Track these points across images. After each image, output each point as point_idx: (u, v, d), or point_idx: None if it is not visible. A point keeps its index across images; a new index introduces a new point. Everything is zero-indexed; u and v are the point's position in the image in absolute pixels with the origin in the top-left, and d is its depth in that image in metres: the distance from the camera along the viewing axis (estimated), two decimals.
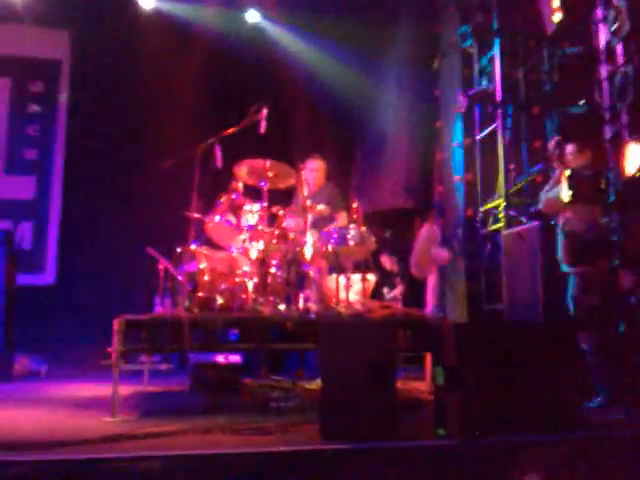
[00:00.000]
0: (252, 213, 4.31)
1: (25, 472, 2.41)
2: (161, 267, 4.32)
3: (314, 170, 5.02)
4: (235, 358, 5.26)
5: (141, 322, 3.50)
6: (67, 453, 2.56)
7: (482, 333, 2.86)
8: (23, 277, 5.93)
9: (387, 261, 6.25)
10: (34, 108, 7.28)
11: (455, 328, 2.84)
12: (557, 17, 4.73)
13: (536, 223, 4.34)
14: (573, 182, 3.67)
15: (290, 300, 4.07)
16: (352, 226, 4.21)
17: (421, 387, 4.26)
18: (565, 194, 3.65)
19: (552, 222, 4.01)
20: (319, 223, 4.60)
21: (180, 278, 4.10)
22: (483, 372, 2.77)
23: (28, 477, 2.41)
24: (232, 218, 4.36)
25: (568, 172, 3.76)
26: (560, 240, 3.78)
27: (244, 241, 4.26)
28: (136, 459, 2.45)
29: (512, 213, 5.08)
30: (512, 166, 5.31)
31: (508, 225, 4.95)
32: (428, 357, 4.16)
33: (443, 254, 4.52)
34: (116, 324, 3.35)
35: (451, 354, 2.77)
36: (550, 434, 2.77)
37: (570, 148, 3.92)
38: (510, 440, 2.74)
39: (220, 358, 5.27)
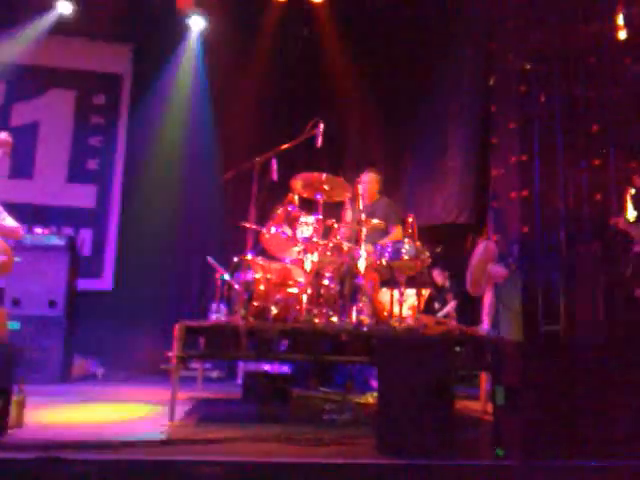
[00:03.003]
0: (307, 225, 4.35)
1: (87, 471, 2.48)
2: (218, 276, 4.40)
3: (367, 182, 5.06)
4: (284, 368, 5.32)
5: (201, 329, 3.58)
6: (128, 454, 2.63)
7: (547, 353, 2.79)
8: (82, 282, 6.14)
9: (439, 276, 6.20)
10: (97, 120, 7.57)
11: (519, 348, 2.79)
12: (622, 35, 4.63)
13: (596, 242, 4.23)
14: (639, 201, 3.56)
15: (343, 312, 4.09)
16: (407, 240, 4.19)
17: (475, 406, 4.19)
18: (631, 213, 3.56)
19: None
20: (373, 236, 4.61)
21: (237, 287, 4.17)
22: (546, 393, 2.70)
23: (90, 476, 2.47)
24: (288, 230, 4.42)
25: (633, 191, 3.66)
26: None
27: (299, 253, 4.31)
28: (197, 463, 2.50)
29: (571, 230, 4.97)
30: (571, 183, 5.20)
31: (567, 243, 4.84)
32: (483, 377, 4.09)
33: (500, 271, 4.44)
34: (177, 330, 3.42)
35: (513, 374, 2.72)
36: (615, 460, 2.68)
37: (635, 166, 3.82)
38: (572, 464, 2.67)
39: (269, 367, 5.35)
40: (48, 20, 6.99)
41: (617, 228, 3.83)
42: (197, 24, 7.27)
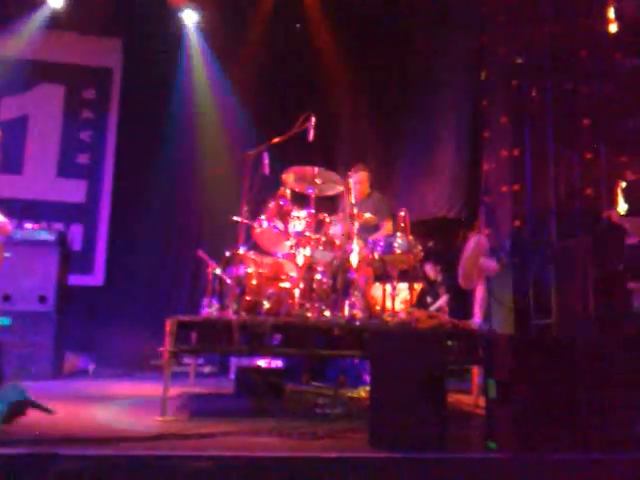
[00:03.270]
0: (299, 219, 4.35)
1: (79, 467, 2.47)
2: (209, 270, 4.39)
3: (358, 182, 5.06)
4: (277, 363, 5.32)
5: (193, 323, 3.57)
6: (121, 449, 2.62)
7: (538, 347, 2.81)
8: (73, 278, 6.10)
9: (431, 270, 6.21)
10: (87, 114, 7.51)
11: (511, 341, 2.80)
12: (613, 28, 4.64)
13: (588, 235, 4.24)
14: (630, 194, 3.58)
15: (336, 307, 4.09)
16: (399, 234, 4.20)
17: (467, 400, 4.20)
18: (621, 207, 3.57)
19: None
20: (364, 231, 4.61)
21: (229, 281, 4.15)
22: (537, 387, 2.72)
23: (81, 471, 2.46)
24: (280, 224, 4.41)
25: (624, 184, 3.67)
26: None
27: (291, 247, 4.31)
28: (189, 458, 2.50)
29: (562, 225, 4.99)
30: (562, 177, 5.22)
31: (558, 237, 4.86)
32: (475, 370, 4.11)
33: (492, 265, 4.46)
34: (168, 325, 3.41)
35: (505, 368, 2.73)
36: (604, 453, 2.70)
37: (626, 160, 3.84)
38: (562, 457, 2.69)
39: (262, 362, 5.35)
40: (41, 15, 6.93)
41: (610, 221, 3.85)
42: (190, 18, 7.22)
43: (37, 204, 7.02)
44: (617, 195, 3.70)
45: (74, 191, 7.25)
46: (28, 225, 5.64)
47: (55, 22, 7.03)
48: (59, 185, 7.25)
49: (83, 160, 7.38)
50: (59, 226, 6.87)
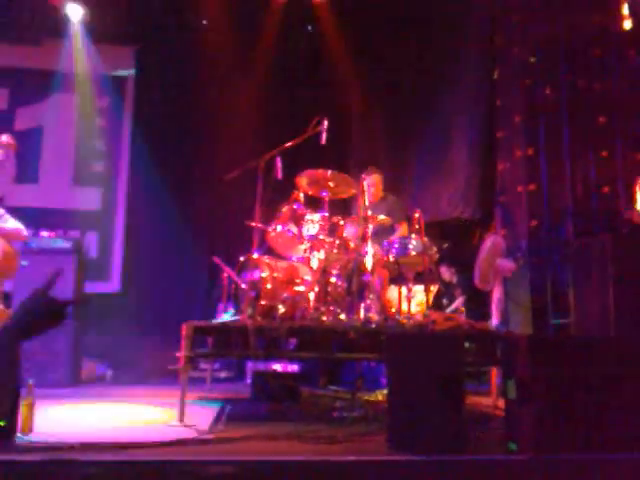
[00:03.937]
0: (313, 223, 4.34)
1: (97, 473, 2.47)
2: (225, 275, 4.39)
3: (371, 185, 5.04)
4: (293, 367, 5.31)
5: (209, 328, 3.57)
6: (139, 455, 2.61)
7: (558, 347, 2.77)
8: (89, 285, 6.14)
9: (446, 272, 6.18)
10: (101, 123, 7.58)
11: (530, 341, 2.76)
12: (627, 24, 4.59)
13: (605, 234, 4.19)
14: None
15: (351, 310, 4.07)
16: (414, 236, 4.18)
17: (485, 402, 4.16)
18: None
19: None
20: (380, 233, 4.59)
21: (243, 286, 4.15)
22: (557, 387, 2.67)
23: (99, 477, 2.46)
24: (294, 228, 4.40)
25: None
26: None
27: (305, 250, 4.30)
28: (207, 463, 2.49)
29: (579, 224, 4.93)
30: (578, 176, 5.16)
31: (575, 236, 4.80)
32: (493, 372, 4.07)
33: (508, 265, 4.41)
34: (185, 330, 3.41)
35: (524, 368, 2.69)
36: (627, 453, 2.64)
37: None
38: (584, 458, 2.64)
39: (278, 367, 5.34)
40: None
41: (632, 222, 3.79)
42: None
43: (53, 212, 7.09)
44: (635, 193, 3.64)
45: (89, 199, 7.32)
46: (44, 233, 5.69)
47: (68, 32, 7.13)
48: (74, 193, 7.32)
49: (98, 168, 7.45)
50: (75, 234, 6.94)
